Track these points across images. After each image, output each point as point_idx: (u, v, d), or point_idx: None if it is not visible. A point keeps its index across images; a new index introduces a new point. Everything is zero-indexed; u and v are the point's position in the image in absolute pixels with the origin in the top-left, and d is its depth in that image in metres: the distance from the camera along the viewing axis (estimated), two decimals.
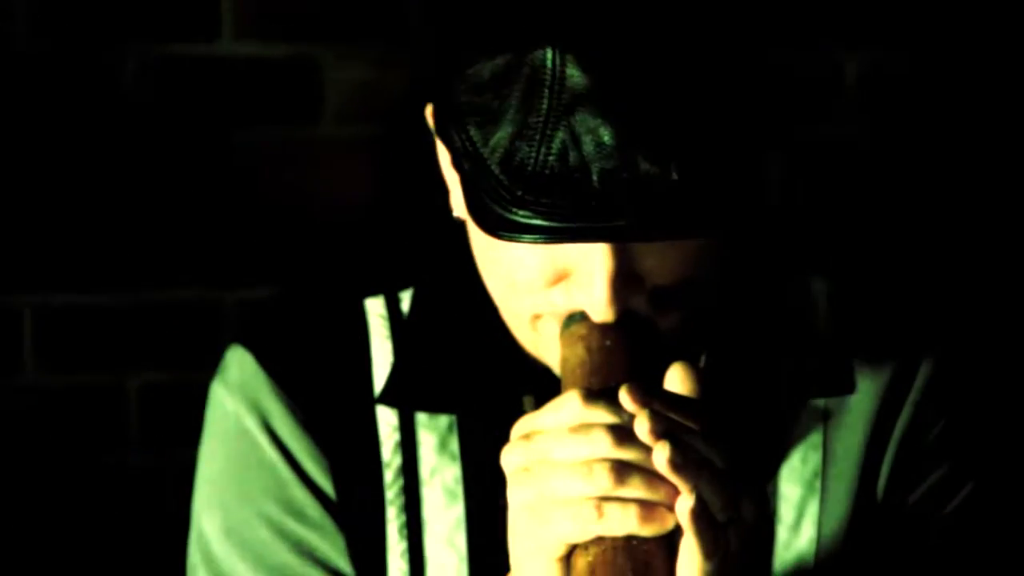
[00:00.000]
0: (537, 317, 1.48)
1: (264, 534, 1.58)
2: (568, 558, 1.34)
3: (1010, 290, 3.17)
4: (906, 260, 3.12)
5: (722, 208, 1.43)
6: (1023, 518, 1.72)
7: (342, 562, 1.56)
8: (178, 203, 2.83)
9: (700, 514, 1.30)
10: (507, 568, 1.43)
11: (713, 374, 1.52)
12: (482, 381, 1.61)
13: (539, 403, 1.43)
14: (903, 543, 1.64)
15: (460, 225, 1.55)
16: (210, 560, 1.60)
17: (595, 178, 1.37)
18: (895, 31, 3.01)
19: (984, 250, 3.09)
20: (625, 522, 1.31)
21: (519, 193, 1.39)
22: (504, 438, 1.40)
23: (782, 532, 1.59)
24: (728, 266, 1.56)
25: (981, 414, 1.67)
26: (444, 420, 1.60)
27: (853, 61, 3.03)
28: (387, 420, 1.59)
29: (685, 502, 1.30)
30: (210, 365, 1.78)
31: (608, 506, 1.31)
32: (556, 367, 1.46)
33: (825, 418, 1.62)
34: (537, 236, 1.39)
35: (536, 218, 1.39)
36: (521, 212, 1.40)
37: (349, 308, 1.63)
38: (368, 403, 1.60)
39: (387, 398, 1.59)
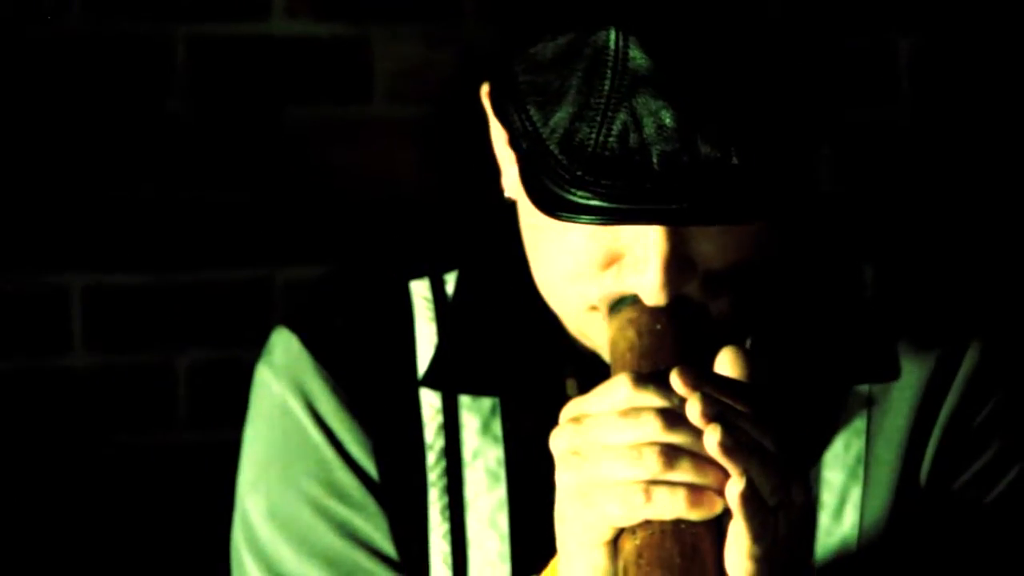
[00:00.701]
0: (588, 303, 1.47)
1: (308, 515, 1.58)
2: (615, 542, 1.34)
3: None
4: (953, 244, 3.12)
5: (779, 193, 1.43)
6: None
7: (385, 543, 1.57)
8: (229, 182, 2.85)
9: (750, 498, 1.30)
10: (550, 550, 1.42)
11: (761, 358, 1.47)
12: (526, 364, 1.61)
13: (583, 387, 1.44)
14: (946, 529, 1.64)
15: (508, 208, 1.55)
16: (254, 541, 1.61)
17: (655, 160, 1.37)
18: (948, 14, 3.00)
19: None
20: (674, 506, 1.30)
21: (578, 173, 1.39)
22: (547, 421, 1.40)
23: (824, 518, 1.59)
24: (779, 252, 1.55)
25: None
26: (487, 403, 1.60)
27: (907, 44, 3.04)
28: (430, 402, 1.59)
29: (735, 486, 1.30)
30: (259, 344, 1.78)
31: (657, 490, 1.31)
32: (604, 351, 1.46)
33: (869, 404, 1.62)
34: (595, 217, 1.39)
35: (594, 199, 1.39)
36: (579, 193, 1.39)
37: (394, 290, 1.63)
38: (412, 385, 1.60)
39: (430, 380, 1.60)
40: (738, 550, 1.31)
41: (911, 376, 1.61)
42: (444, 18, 2.91)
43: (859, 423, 1.63)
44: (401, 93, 2.91)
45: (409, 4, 2.91)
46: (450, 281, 1.62)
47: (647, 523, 1.33)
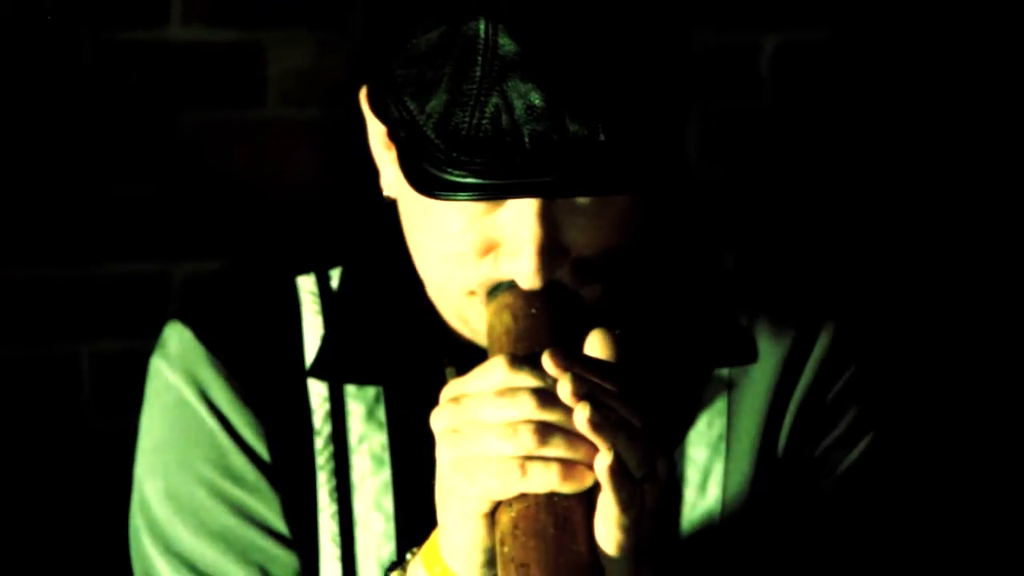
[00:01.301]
0: (467, 288, 1.51)
1: (204, 498, 1.62)
2: (492, 515, 1.39)
3: (906, 262, 3.26)
4: (809, 232, 3.21)
5: (645, 168, 1.47)
6: (916, 470, 1.76)
7: (278, 523, 1.60)
8: (131, 181, 2.89)
9: (618, 472, 1.35)
10: (433, 528, 1.46)
11: (629, 341, 1.51)
12: (407, 353, 1.64)
13: (461, 374, 1.46)
14: (804, 498, 1.69)
15: (389, 207, 1.59)
16: (152, 524, 1.64)
17: (526, 139, 1.41)
18: (809, 15, 3.10)
19: (882, 223, 3.18)
20: (547, 480, 1.35)
21: (454, 155, 1.42)
22: (428, 407, 1.43)
23: (689, 493, 1.65)
24: (646, 239, 1.59)
25: (876, 377, 1.72)
26: (371, 391, 1.63)
27: (770, 40, 3.13)
28: (318, 391, 1.62)
29: (604, 460, 1.34)
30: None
31: (531, 465, 1.35)
32: (481, 337, 1.50)
33: (729, 386, 1.67)
34: (471, 194, 1.42)
35: (470, 177, 1.42)
36: (456, 172, 1.43)
37: (282, 285, 1.67)
38: (300, 375, 1.64)
39: (317, 371, 1.63)
40: (607, 521, 1.36)
41: (768, 358, 1.67)
42: (334, 24, 2.97)
43: (720, 403, 1.68)
44: (294, 96, 2.97)
45: (301, 11, 2.97)
46: (335, 276, 1.66)
47: (522, 496, 1.37)
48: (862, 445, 1.69)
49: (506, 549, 1.39)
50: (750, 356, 1.67)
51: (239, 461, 1.63)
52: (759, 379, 1.68)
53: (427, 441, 1.44)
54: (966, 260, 3.14)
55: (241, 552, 1.63)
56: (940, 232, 3.14)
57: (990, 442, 2.88)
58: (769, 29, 3.07)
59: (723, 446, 1.69)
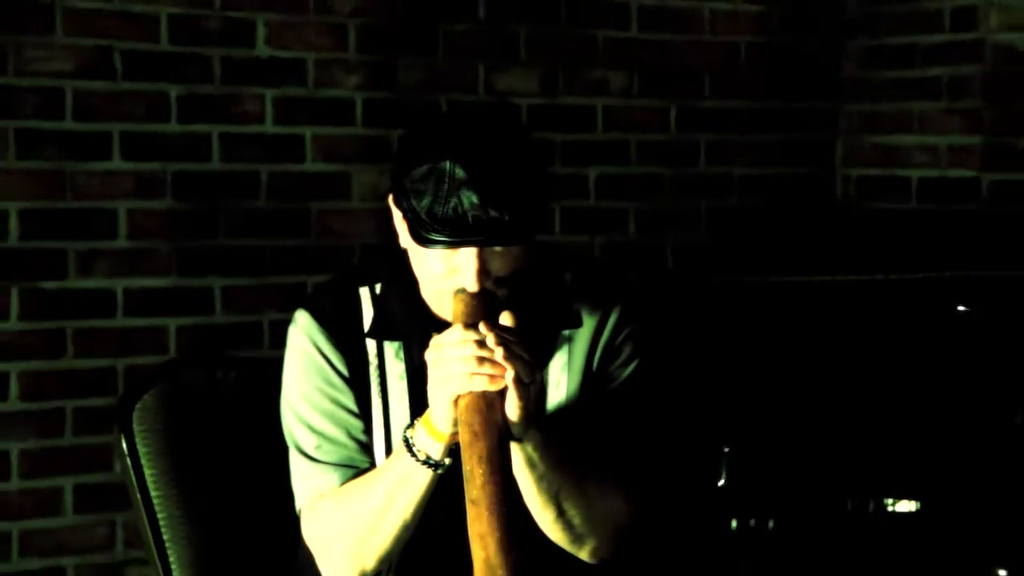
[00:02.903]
0: (444, 293, 2.07)
1: (316, 395, 2.21)
2: (455, 402, 2.00)
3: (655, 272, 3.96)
4: (610, 262, 3.92)
5: (528, 232, 2.04)
6: (664, 395, 2.30)
7: (353, 406, 2.20)
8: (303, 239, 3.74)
9: (518, 380, 1.97)
10: (426, 409, 2.06)
11: (520, 317, 2.07)
12: (413, 326, 2.19)
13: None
14: (604, 393, 2.25)
15: (403, 252, 2.17)
16: (292, 409, 2.22)
17: (470, 219, 2.00)
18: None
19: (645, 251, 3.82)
20: (482, 383, 1.97)
21: (435, 227, 2.01)
22: (423, 351, 2.05)
23: (550, 391, 2.22)
24: (529, 265, 2.11)
25: (640, 333, 2.26)
26: (397, 344, 2.21)
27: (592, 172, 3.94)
28: (371, 344, 2.21)
29: (510, 374, 1.97)
30: None
31: (474, 376, 1.98)
32: (450, 317, 2.07)
33: (568, 339, 2.24)
34: (443, 245, 2.01)
35: (442, 237, 2.02)
36: (435, 235, 2.02)
37: (353, 290, 2.23)
38: (361, 337, 2.21)
39: (370, 334, 2.21)
40: (512, 404, 1.98)
41: (588, 324, 2.23)
42: (385, 161, 3.71)
43: (564, 347, 2.24)
44: (369, 197, 3.85)
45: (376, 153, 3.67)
46: (378, 287, 2.23)
47: (470, 392, 1.98)
48: (631, 367, 2.24)
49: (462, 417, 1.99)
50: (578, 324, 2.24)
51: (334, 378, 2.20)
52: (583, 335, 2.23)
53: (423, 367, 2.05)
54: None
55: (335, 420, 2.20)
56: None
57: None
58: (591, 164, 4.09)
59: (566, 368, 2.23)
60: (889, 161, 4.41)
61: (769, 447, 3.36)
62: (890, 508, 3.38)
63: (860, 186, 4.49)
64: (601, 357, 2.23)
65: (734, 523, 3.30)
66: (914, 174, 4.37)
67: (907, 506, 3.36)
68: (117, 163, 3.68)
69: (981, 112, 4.30)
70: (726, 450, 3.20)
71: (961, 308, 3.50)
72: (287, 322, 2.22)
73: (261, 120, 3.79)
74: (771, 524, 3.32)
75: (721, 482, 3.21)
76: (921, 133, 4.38)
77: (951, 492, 3.28)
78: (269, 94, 3.81)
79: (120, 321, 3.68)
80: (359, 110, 3.90)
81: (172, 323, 3.74)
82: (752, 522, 3.30)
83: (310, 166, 3.81)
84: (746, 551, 3.26)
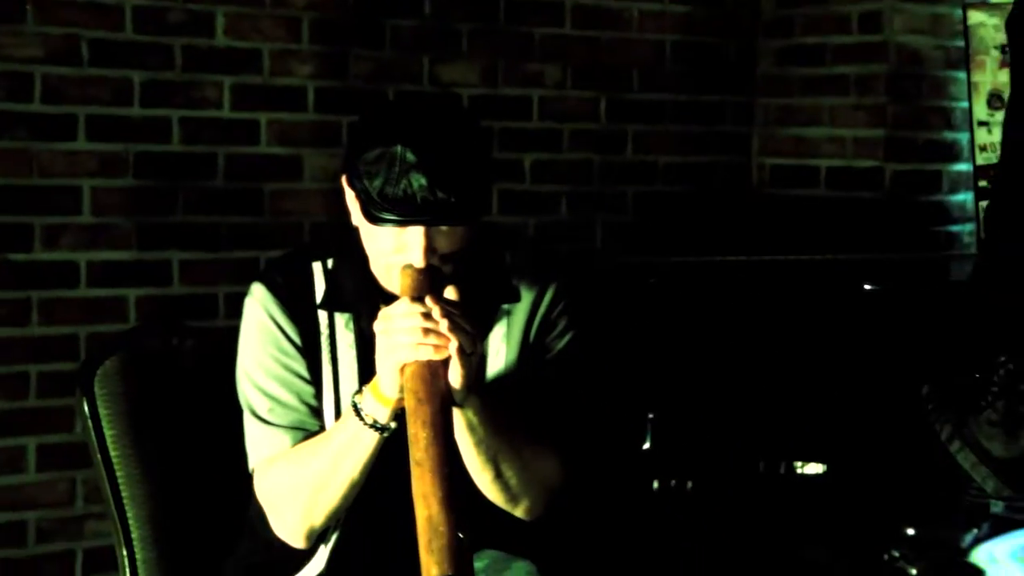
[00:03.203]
0: (393, 268, 2.07)
1: (270, 361, 2.20)
2: (402, 370, 2.01)
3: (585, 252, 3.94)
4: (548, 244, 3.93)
5: (471, 213, 2.06)
6: (595, 365, 2.33)
7: (305, 373, 2.19)
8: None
9: (460, 349, 1.98)
10: (374, 376, 2.06)
11: (463, 291, 2.08)
12: (363, 299, 2.18)
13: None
14: (540, 363, 2.27)
15: (355, 229, 2.17)
16: (247, 376, 2.22)
17: (418, 200, 2.01)
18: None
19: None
20: (427, 352, 1.98)
21: (386, 206, 2.02)
22: (372, 322, 2.06)
23: (490, 360, 2.23)
24: (472, 244, 2.12)
25: (573, 309, 2.29)
26: (347, 315, 2.21)
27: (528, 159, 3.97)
28: (322, 316, 2.20)
29: (453, 344, 1.98)
30: None
31: (419, 346, 1.99)
32: (398, 290, 2.07)
33: (508, 312, 2.25)
34: (393, 224, 2.02)
35: (392, 216, 2.03)
36: (386, 214, 2.03)
37: (306, 265, 2.22)
38: (314, 308, 2.20)
39: (322, 306, 2.20)
40: (455, 373, 2.00)
41: (526, 299, 2.24)
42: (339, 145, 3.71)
43: (504, 320, 2.25)
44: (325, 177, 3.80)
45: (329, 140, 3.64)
46: (330, 262, 2.22)
47: (415, 361, 1.99)
48: (566, 338, 2.26)
49: (407, 384, 2.00)
50: (517, 298, 2.25)
51: (287, 346, 2.19)
52: (521, 309, 2.25)
53: (372, 337, 2.06)
54: None
55: (287, 385, 2.19)
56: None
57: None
58: (527, 151, 4.09)
59: (505, 339, 2.25)
60: (800, 151, 4.45)
61: (690, 413, 3.34)
62: (799, 470, 3.40)
63: (774, 174, 4.53)
64: (538, 329, 2.23)
65: (656, 484, 3.28)
66: (823, 163, 4.40)
67: (815, 468, 3.34)
68: (82, 144, 3.66)
69: (885, 107, 4.35)
70: (651, 416, 3.16)
71: (867, 287, 3.50)
72: (241, 294, 2.22)
73: (219, 106, 3.78)
74: (690, 485, 3.28)
75: (646, 446, 3.17)
76: (830, 126, 4.42)
77: (858, 456, 3.28)
78: (227, 81, 3.80)
79: (83, 291, 3.67)
80: (311, 98, 3.90)
81: (132, 294, 3.73)
82: (672, 483, 3.25)
83: (264, 149, 3.83)
84: (666, 510, 3.23)
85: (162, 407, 2.42)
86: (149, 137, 3.73)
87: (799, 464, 3.40)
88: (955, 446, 2.29)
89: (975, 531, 1.79)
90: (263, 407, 2.18)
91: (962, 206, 4.48)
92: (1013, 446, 2.16)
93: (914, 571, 1.54)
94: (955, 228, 4.47)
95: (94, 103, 3.66)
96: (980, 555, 1.68)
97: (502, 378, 2.21)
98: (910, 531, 1.66)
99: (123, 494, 2.38)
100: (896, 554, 1.58)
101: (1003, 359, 2.26)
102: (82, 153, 3.65)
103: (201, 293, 3.79)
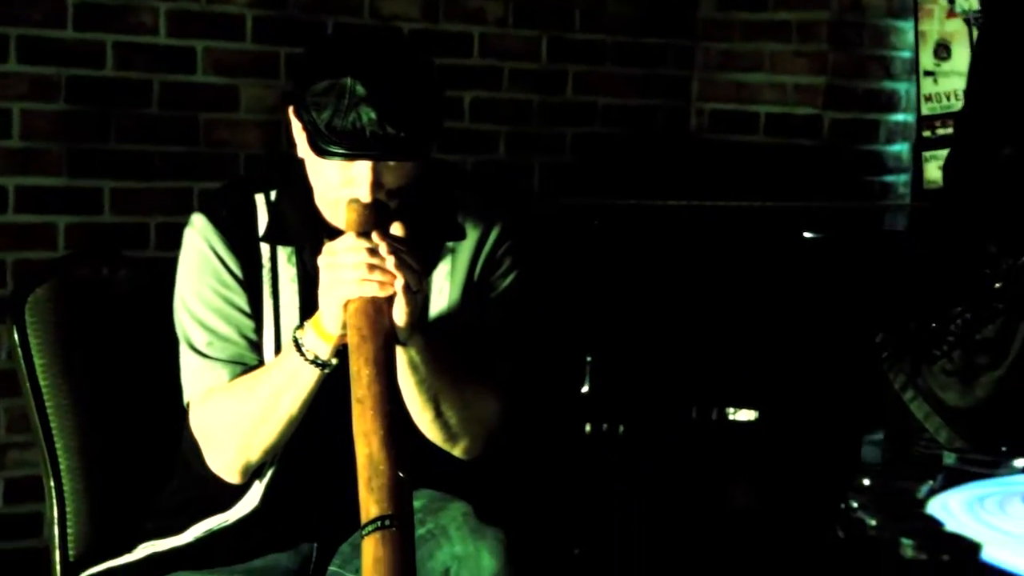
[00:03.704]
0: (339, 202, 2.06)
1: (209, 293, 2.18)
2: (345, 306, 1.99)
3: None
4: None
5: (419, 148, 2.05)
6: (537, 306, 2.31)
7: (245, 306, 2.18)
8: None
9: (406, 287, 1.97)
10: (316, 311, 2.05)
11: (409, 228, 2.07)
12: (307, 232, 2.17)
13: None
14: (484, 300, 2.26)
15: (298, 161, 2.16)
16: (185, 306, 2.20)
17: (367, 134, 2.00)
18: None
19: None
20: (372, 289, 1.97)
21: (334, 139, 2.01)
22: (316, 256, 2.04)
23: (433, 298, 2.23)
24: (419, 180, 2.12)
25: (519, 247, 2.29)
26: (290, 249, 2.19)
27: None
28: (265, 248, 2.19)
29: (399, 281, 1.96)
30: None
31: (364, 282, 1.97)
32: (343, 225, 2.06)
33: (452, 250, 2.24)
34: (340, 157, 2.01)
35: (340, 149, 2.01)
36: (334, 147, 2.01)
37: (248, 196, 2.21)
38: (256, 241, 2.19)
39: (264, 239, 2.19)
40: (400, 311, 1.99)
41: (471, 237, 2.24)
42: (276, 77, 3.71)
43: (448, 257, 2.24)
44: (259, 109, 3.76)
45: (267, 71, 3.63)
46: (273, 194, 2.21)
47: (359, 297, 1.97)
48: (510, 278, 2.26)
49: (351, 320, 1.98)
50: (462, 236, 2.25)
51: (228, 279, 2.18)
52: (466, 247, 2.24)
53: (314, 272, 2.04)
54: None
55: (227, 318, 2.18)
56: None
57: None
58: (467, 88, 4.02)
59: (449, 277, 2.24)
60: (740, 97, 4.44)
61: (627, 357, 3.34)
62: (732, 416, 3.41)
63: (713, 119, 4.54)
64: (483, 268, 2.23)
65: (588, 427, 3.23)
66: (762, 110, 4.40)
67: (747, 415, 3.36)
68: (13, 66, 3.58)
69: (826, 55, 4.35)
70: (589, 359, 3.16)
71: (807, 235, 3.51)
72: (174, 225, 2.25)
73: (155, 31, 3.71)
74: (622, 429, 3.29)
75: (585, 389, 3.17)
76: (770, 72, 4.37)
77: (792, 404, 3.29)
78: (163, 7, 3.73)
79: (11, 217, 3.60)
80: (249, 27, 3.84)
81: (62, 221, 3.66)
82: (605, 426, 3.26)
83: (201, 78, 3.77)
84: (600, 453, 3.24)
85: (94, 337, 2.39)
86: (82, 61, 3.66)
87: (732, 410, 3.41)
88: (908, 395, 2.30)
89: (930, 483, 1.76)
90: (201, 340, 2.16)
91: (898, 156, 4.50)
92: (967, 396, 2.18)
93: (873, 521, 1.53)
94: (890, 178, 4.49)
95: (25, 24, 3.59)
96: (935, 506, 1.68)
97: (445, 317, 2.20)
98: (866, 481, 1.66)
99: (52, 424, 2.36)
100: (854, 504, 1.57)
101: (959, 309, 2.27)
102: (12, 75, 3.58)
103: (133, 222, 3.73)
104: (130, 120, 3.73)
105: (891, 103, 4.46)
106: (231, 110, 3.84)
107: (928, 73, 4.27)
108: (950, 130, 4.11)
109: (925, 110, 4.30)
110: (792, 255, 3.54)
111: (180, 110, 3.79)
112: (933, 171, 4.23)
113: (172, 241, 2.20)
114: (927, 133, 4.27)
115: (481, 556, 2.05)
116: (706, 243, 3.61)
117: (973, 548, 1.48)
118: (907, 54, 4.40)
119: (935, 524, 1.55)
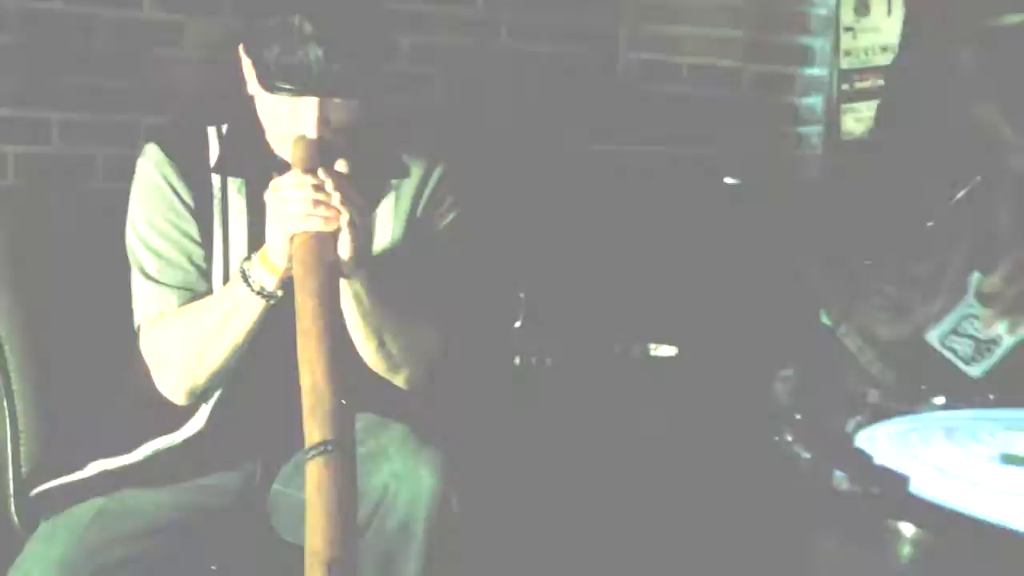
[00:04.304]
0: (287, 138, 2.06)
1: (160, 219, 2.17)
2: (291, 240, 1.99)
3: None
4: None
5: (365, 86, 2.04)
6: (476, 243, 2.32)
7: (195, 235, 2.17)
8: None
9: (351, 222, 1.96)
10: (263, 244, 2.06)
11: (355, 165, 2.06)
12: (257, 166, 2.17)
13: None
14: (426, 235, 2.27)
15: (250, 98, 2.15)
16: (135, 231, 2.19)
17: (314, 72, 1.99)
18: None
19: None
20: (317, 223, 1.96)
21: (282, 75, 2.01)
22: (263, 190, 2.03)
23: (377, 232, 2.23)
24: (364, 117, 2.11)
25: (462, 190, 2.30)
26: (240, 181, 2.20)
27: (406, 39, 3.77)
28: (216, 179, 2.18)
29: (344, 216, 1.96)
30: None
31: (309, 217, 1.96)
32: (290, 159, 2.06)
33: (396, 187, 2.26)
34: (289, 92, 2.01)
35: (287, 84, 2.01)
36: (283, 83, 2.02)
37: (200, 129, 2.20)
38: (208, 171, 2.18)
39: (215, 170, 2.18)
40: (344, 243, 1.98)
41: (415, 175, 2.26)
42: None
43: (391, 195, 2.26)
44: (206, 44, 3.63)
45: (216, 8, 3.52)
46: (224, 128, 2.20)
47: (305, 232, 1.97)
48: (451, 216, 2.28)
49: (297, 253, 1.97)
50: (406, 174, 2.26)
51: (179, 207, 2.17)
52: (410, 184, 2.26)
53: (262, 205, 2.03)
54: None
55: (178, 245, 2.17)
56: None
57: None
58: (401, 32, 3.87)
59: (392, 213, 2.26)
60: (665, 48, 4.37)
61: (557, 295, 3.34)
62: (652, 352, 3.45)
63: (639, 69, 4.48)
64: (426, 205, 2.24)
65: (517, 360, 3.29)
66: (686, 61, 4.33)
67: (667, 351, 3.37)
68: None
69: (746, 9, 4.35)
70: (521, 295, 3.15)
71: (728, 180, 3.52)
72: (120, 157, 2.16)
73: None
74: (548, 362, 3.29)
75: (518, 324, 3.16)
76: (694, 25, 4.33)
77: (710, 341, 3.31)
78: None
79: None
80: None
81: (11, 150, 3.57)
82: (532, 360, 3.26)
83: (147, 14, 3.68)
84: (526, 386, 3.25)
85: (42, 265, 2.38)
86: None
87: (653, 346, 3.45)
88: (842, 330, 2.28)
89: (857, 418, 1.75)
90: (152, 266, 2.15)
91: (812, 109, 4.51)
92: (901, 328, 2.15)
93: (808, 455, 1.54)
94: (804, 130, 4.51)
95: None
96: (863, 440, 1.69)
97: (389, 251, 2.19)
98: (797, 416, 1.67)
99: (3, 346, 2.35)
100: (788, 438, 1.58)
101: (894, 245, 2.25)
102: None
103: (80, 154, 3.63)
104: (78, 53, 3.65)
105: (807, 57, 4.49)
106: (178, 46, 3.76)
107: (848, 29, 4.25)
108: (868, 84, 4.16)
109: (844, 64, 4.30)
110: (715, 200, 3.56)
111: (128, 45, 3.71)
112: (850, 123, 4.28)
113: (119, 173, 2.18)
114: (845, 86, 4.27)
115: (419, 473, 2.04)
116: (637, 187, 3.66)
117: (902, 480, 1.50)
118: (824, 11, 4.39)
119: (865, 457, 1.55)
